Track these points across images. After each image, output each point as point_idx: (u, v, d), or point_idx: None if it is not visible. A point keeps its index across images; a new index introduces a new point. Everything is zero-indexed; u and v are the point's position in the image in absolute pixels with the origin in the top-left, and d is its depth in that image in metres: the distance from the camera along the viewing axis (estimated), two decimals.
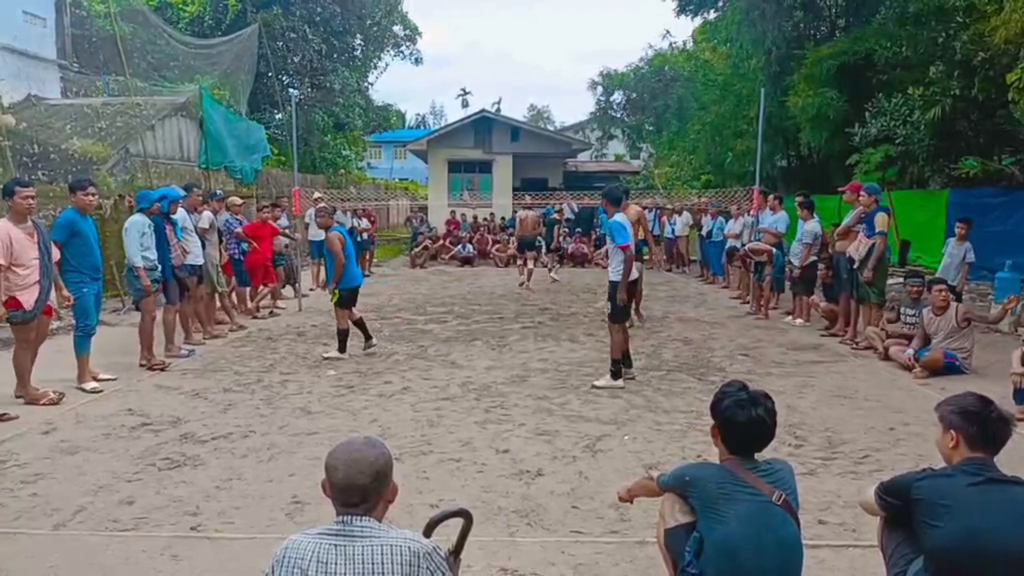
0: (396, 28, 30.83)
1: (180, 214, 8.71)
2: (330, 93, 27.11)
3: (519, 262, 15.23)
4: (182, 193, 8.67)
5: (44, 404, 6.13)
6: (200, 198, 9.24)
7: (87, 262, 6.70)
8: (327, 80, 26.74)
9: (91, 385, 6.74)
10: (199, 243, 8.87)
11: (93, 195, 6.89)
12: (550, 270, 15.86)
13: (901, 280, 9.46)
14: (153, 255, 7.53)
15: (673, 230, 18.09)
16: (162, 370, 7.48)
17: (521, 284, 14.63)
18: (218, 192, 10.85)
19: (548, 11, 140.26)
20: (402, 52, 32.08)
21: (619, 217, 6.95)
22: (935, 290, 7.60)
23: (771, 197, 11.43)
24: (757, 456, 2.74)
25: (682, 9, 25.81)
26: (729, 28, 22.34)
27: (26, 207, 6.08)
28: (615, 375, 6.95)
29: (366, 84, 31.38)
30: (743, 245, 12.91)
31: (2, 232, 5.93)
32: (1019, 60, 10.76)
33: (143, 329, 7.57)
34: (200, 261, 8.88)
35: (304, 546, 1.97)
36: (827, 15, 19.70)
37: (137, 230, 7.37)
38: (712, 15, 24.87)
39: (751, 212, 12.29)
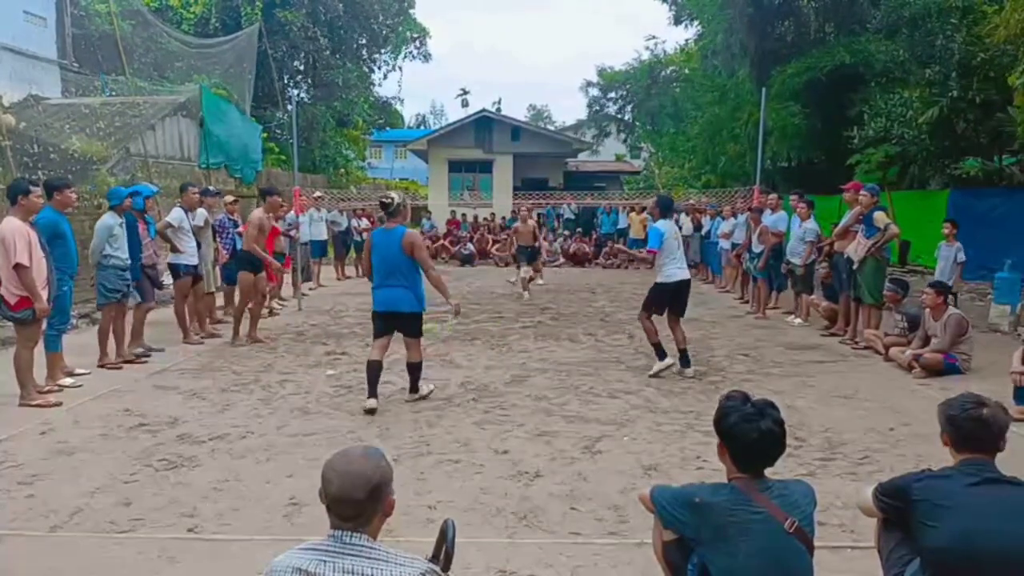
0: (402, 29, 30.93)
1: (177, 213, 8.68)
2: (333, 89, 27.15)
3: (523, 274, 13.82)
4: (155, 189, 8.63)
5: (42, 405, 6.11)
6: (196, 196, 9.21)
7: (67, 261, 6.69)
8: (330, 75, 26.78)
9: (68, 380, 6.77)
10: (194, 242, 8.82)
11: (74, 195, 6.97)
12: (529, 281, 13.78)
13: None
14: (124, 254, 7.40)
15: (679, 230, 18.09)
16: (119, 368, 7.46)
17: (521, 292, 13.54)
18: (210, 188, 10.83)
19: (547, 10, 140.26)
20: (411, 53, 32.28)
21: (660, 224, 7.52)
22: (924, 293, 7.66)
23: (770, 197, 11.43)
24: (770, 472, 2.59)
25: (677, 20, 26.20)
26: (715, 39, 22.96)
27: (38, 207, 6.24)
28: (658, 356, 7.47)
29: (370, 81, 31.46)
30: (733, 245, 12.96)
31: (22, 230, 5.92)
32: (1019, 61, 10.75)
33: (101, 329, 7.57)
34: (195, 261, 8.83)
35: (290, 563, 1.93)
36: (811, 26, 19.99)
37: (106, 231, 7.28)
38: (703, 30, 25.35)
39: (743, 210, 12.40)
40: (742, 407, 2.55)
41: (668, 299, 7.52)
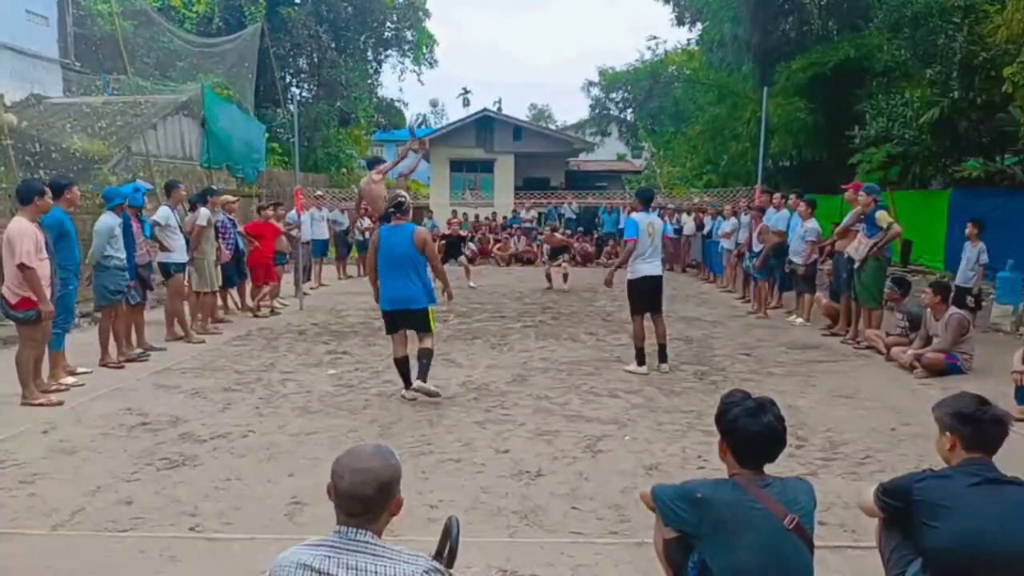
0: (412, 35, 31.03)
1: (164, 211, 8.67)
2: (336, 88, 27.19)
3: (549, 267, 14.98)
4: (150, 186, 8.65)
5: (44, 404, 6.11)
6: (184, 194, 9.20)
7: (72, 260, 6.73)
8: (333, 73, 26.83)
9: (70, 379, 6.79)
10: (183, 241, 8.81)
11: (78, 194, 7.03)
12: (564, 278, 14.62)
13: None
14: (123, 254, 7.41)
15: (679, 229, 18.09)
16: (121, 367, 7.47)
17: (547, 289, 14.48)
18: (213, 188, 10.84)
19: (548, 10, 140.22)
20: (423, 59, 32.37)
21: (636, 215, 7.63)
22: (923, 293, 7.69)
23: (776, 196, 11.38)
24: (772, 472, 2.59)
25: (679, 20, 26.23)
26: (719, 32, 23.01)
27: (49, 208, 6.27)
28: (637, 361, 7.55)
29: (375, 81, 31.55)
30: (737, 244, 12.94)
31: (30, 231, 5.93)
32: (1020, 57, 10.73)
33: (101, 329, 7.60)
34: (184, 259, 8.83)
35: (295, 558, 1.94)
36: (814, 23, 19.98)
37: (107, 231, 7.29)
38: (707, 23, 25.39)
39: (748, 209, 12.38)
40: (743, 402, 2.57)
41: (640, 296, 7.57)
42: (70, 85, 18.63)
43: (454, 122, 30.48)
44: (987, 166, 13.83)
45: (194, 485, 4.51)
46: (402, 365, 6.42)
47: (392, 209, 6.40)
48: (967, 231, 9.73)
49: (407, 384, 6.40)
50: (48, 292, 6.09)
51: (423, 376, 6.32)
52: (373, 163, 11.03)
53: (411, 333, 6.56)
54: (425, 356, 6.36)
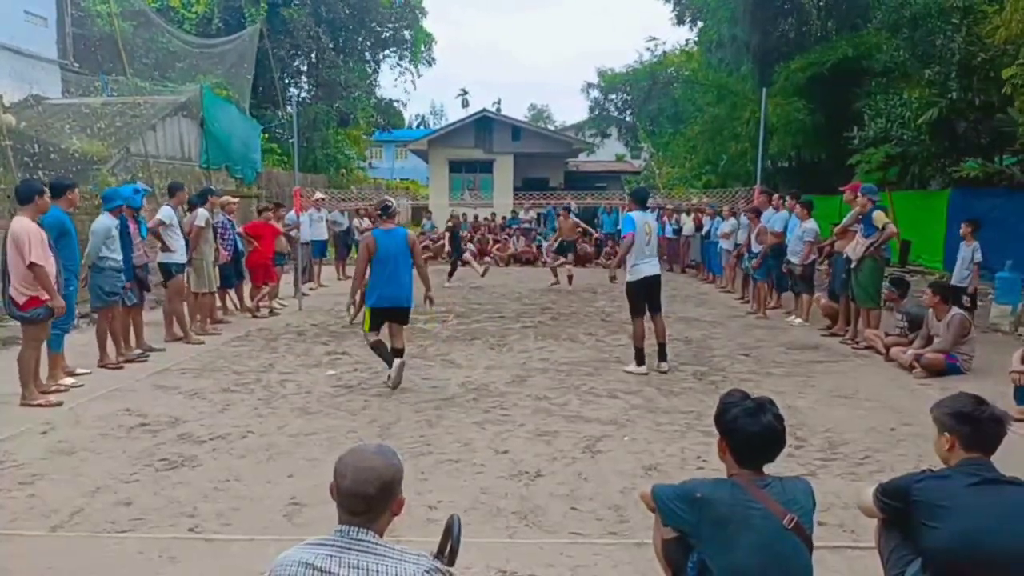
0: (409, 34, 31.09)
1: (167, 211, 8.68)
2: (335, 88, 27.23)
3: (556, 262, 15.14)
4: (148, 188, 8.70)
5: (43, 405, 6.11)
6: (186, 195, 9.20)
7: (73, 261, 6.75)
8: (332, 74, 26.86)
9: (69, 380, 6.78)
10: (183, 242, 8.82)
11: (78, 195, 7.07)
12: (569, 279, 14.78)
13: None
14: (119, 256, 7.40)
15: (679, 230, 18.10)
16: (119, 368, 7.46)
17: (552, 284, 14.78)
18: (211, 188, 10.85)
19: (548, 10, 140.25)
20: (423, 59, 32.42)
21: (633, 213, 7.69)
22: (923, 293, 7.73)
23: (775, 197, 11.39)
24: (770, 469, 2.59)
25: (679, 19, 26.28)
26: (717, 33, 23.08)
27: (48, 207, 6.30)
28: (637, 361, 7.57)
29: (374, 82, 31.61)
30: (737, 245, 12.94)
31: (35, 229, 5.94)
32: (1019, 58, 10.75)
33: (99, 330, 7.59)
34: (183, 260, 8.84)
35: (297, 557, 1.94)
36: (813, 24, 20.00)
37: (104, 232, 7.27)
38: (706, 23, 25.47)
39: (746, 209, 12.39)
40: (743, 402, 2.58)
41: (640, 296, 7.60)
42: (69, 86, 18.61)
43: (453, 123, 30.51)
44: (986, 167, 13.85)
45: (193, 486, 4.50)
46: (382, 347, 6.86)
47: (380, 213, 6.99)
48: (961, 231, 9.75)
49: (390, 363, 6.77)
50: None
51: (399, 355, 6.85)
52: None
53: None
54: (401, 355, 6.88)
